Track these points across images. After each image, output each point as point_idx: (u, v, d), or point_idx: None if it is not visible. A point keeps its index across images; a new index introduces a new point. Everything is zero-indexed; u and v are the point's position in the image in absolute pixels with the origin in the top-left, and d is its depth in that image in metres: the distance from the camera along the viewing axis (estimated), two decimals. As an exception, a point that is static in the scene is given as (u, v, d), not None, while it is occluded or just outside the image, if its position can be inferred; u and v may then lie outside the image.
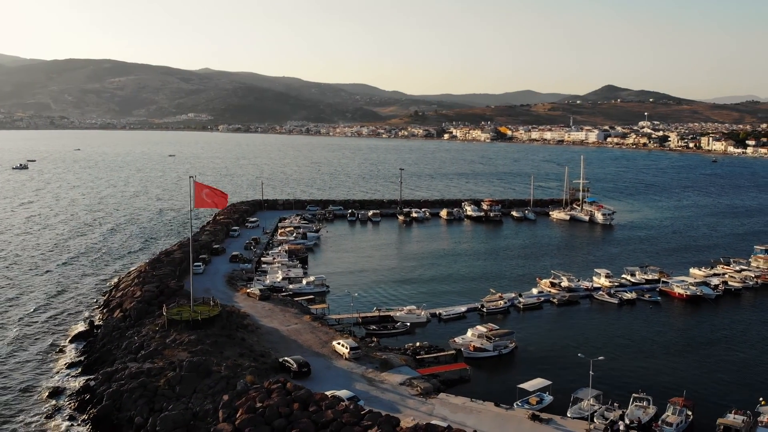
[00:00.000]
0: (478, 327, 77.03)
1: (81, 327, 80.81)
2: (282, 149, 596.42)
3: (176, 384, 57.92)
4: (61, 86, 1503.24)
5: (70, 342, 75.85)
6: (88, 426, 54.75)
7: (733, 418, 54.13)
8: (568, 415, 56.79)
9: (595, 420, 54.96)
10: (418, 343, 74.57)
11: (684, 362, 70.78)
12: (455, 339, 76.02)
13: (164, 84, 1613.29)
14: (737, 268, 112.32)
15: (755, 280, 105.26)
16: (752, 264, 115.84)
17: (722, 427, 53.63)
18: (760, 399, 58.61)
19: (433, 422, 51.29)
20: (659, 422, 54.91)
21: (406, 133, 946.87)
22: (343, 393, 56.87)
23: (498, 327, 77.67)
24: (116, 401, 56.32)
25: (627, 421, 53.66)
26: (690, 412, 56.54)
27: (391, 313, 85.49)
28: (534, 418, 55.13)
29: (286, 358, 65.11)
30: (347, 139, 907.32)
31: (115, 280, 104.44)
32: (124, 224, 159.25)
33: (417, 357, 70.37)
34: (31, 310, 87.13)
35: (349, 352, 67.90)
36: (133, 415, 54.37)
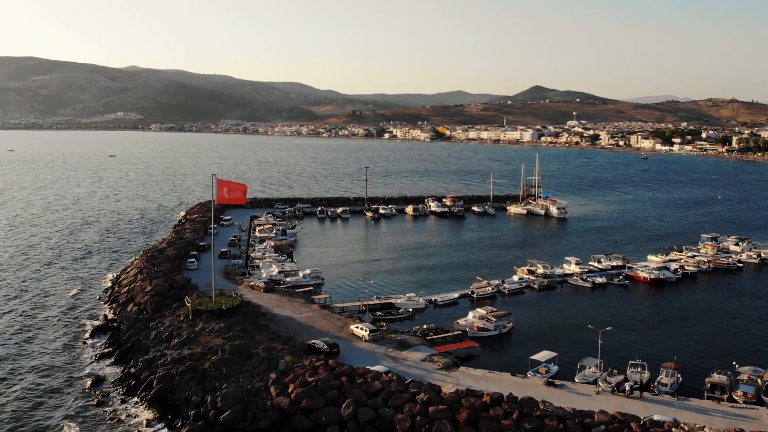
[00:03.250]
0: (479, 309, 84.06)
1: (96, 321, 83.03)
2: (227, 148, 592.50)
3: (222, 366, 62.27)
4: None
5: (91, 335, 78.18)
6: (144, 407, 58.53)
7: (718, 378, 62.85)
8: (576, 381, 64.31)
9: (600, 384, 62.61)
10: (425, 326, 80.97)
11: (664, 334, 79.84)
12: (458, 321, 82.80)
13: (90, 82, 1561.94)
14: (690, 254, 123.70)
15: (707, 264, 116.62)
16: (701, 251, 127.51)
17: (709, 384, 62.20)
18: (734, 363, 67.65)
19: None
20: (656, 383, 63.11)
21: (346, 132, 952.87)
22: (379, 368, 62.57)
23: (496, 309, 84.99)
24: (168, 384, 60.32)
25: (631, 383, 61.57)
26: (680, 375, 65.04)
27: (392, 301, 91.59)
28: (549, 384, 62.28)
29: (314, 341, 70.26)
30: (288, 138, 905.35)
31: (111, 276, 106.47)
32: (106, 224, 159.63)
33: (427, 337, 76.78)
34: (39, 308, 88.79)
35: (369, 335, 73.56)
36: (189, 395, 58.58)
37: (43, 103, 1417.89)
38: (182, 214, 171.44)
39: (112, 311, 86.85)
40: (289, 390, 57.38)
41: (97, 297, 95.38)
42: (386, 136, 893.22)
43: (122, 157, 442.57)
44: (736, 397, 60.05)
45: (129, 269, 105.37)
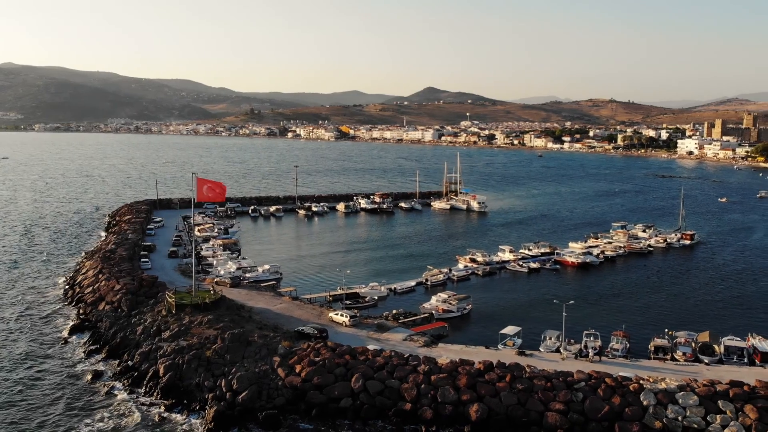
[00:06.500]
0: (441, 294, 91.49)
1: (69, 321, 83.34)
2: (127, 148, 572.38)
3: (224, 353, 65.95)
4: None
5: (71, 334, 78.79)
6: (156, 395, 61.26)
7: (660, 341, 73.36)
8: (541, 350, 72.87)
9: (562, 351, 71.50)
10: (395, 311, 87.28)
11: (603, 309, 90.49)
12: (424, 305, 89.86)
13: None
14: (606, 240, 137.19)
15: (623, 249, 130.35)
16: (615, 237, 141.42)
17: (654, 348, 72.56)
18: (666, 329, 78.62)
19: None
20: (609, 348, 72.82)
21: (247, 131, 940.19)
22: (374, 346, 68.27)
23: (456, 293, 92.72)
24: (176, 372, 63.40)
25: (592, 349, 70.84)
26: (627, 341, 75.10)
27: (356, 290, 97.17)
28: (520, 353, 70.44)
29: (302, 328, 74.88)
30: (186, 137, 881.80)
31: (63, 279, 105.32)
32: (41, 227, 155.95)
33: (399, 321, 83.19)
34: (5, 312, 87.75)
35: (349, 320, 79.07)
36: (201, 381, 62.01)
37: None
38: (109, 214, 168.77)
39: (81, 311, 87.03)
40: (298, 370, 62.11)
41: (57, 298, 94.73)
42: (290, 135, 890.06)
43: (17, 159, 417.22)
44: (677, 357, 70.54)
45: (84, 270, 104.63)
